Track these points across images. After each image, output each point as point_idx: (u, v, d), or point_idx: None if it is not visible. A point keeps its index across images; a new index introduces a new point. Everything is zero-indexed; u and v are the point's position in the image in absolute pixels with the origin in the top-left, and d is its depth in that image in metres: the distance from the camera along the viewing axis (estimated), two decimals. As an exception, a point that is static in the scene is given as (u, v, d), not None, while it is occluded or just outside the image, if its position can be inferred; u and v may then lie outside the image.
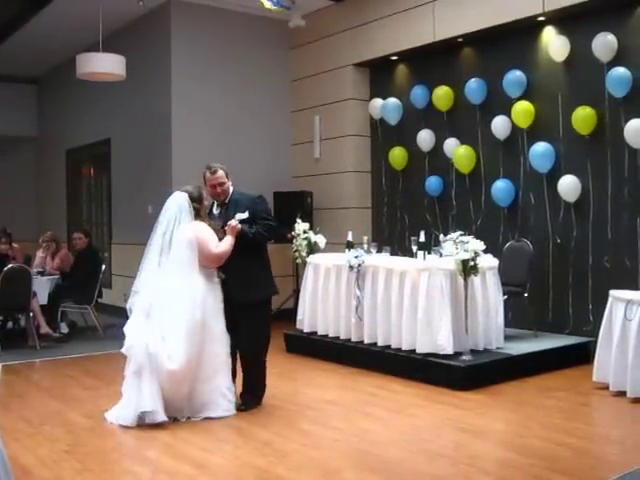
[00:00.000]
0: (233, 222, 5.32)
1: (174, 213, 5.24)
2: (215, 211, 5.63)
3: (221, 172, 5.54)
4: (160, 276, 5.21)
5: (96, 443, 4.73)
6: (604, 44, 7.08)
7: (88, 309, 8.97)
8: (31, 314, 8.17)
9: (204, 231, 5.26)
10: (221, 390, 5.25)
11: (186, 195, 5.29)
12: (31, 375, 7.11)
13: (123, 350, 5.17)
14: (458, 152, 8.47)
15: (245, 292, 5.39)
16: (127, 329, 5.23)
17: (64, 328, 8.86)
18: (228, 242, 5.26)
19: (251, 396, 5.57)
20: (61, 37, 10.94)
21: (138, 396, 5.03)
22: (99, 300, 9.20)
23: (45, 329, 8.39)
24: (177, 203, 5.27)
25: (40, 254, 9.54)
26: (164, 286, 5.17)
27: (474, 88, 8.28)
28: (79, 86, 10.79)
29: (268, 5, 8.62)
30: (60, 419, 5.31)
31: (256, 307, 5.48)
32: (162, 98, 9.76)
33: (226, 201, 5.58)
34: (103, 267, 9.12)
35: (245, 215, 5.42)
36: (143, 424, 5.00)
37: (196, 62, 9.71)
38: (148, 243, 5.34)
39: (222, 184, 5.53)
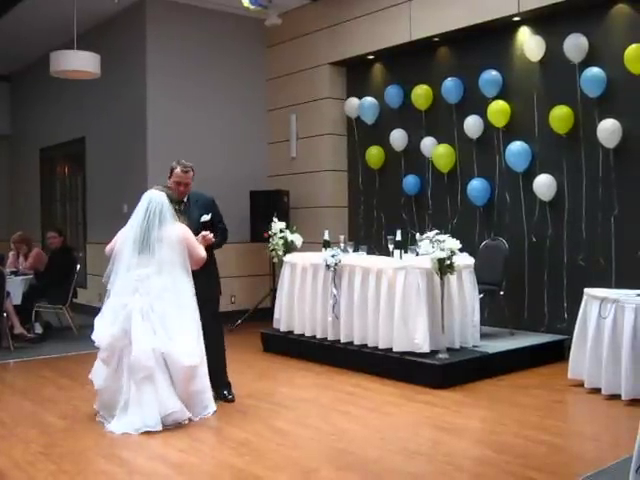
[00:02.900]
0: (209, 235, 5.42)
1: (157, 211, 5.10)
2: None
3: (191, 174, 5.61)
4: (147, 275, 5.06)
5: (71, 444, 4.68)
6: (575, 45, 7.15)
7: (63, 309, 8.89)
8: (5, 315, 8.05)
9: (191, 234, 5.24)
10: (208, 385, 5.27)
11: (164, 195, 5.20)
12: (5, 376, 7.02)
13: (132, 359, 4.90)
14: (437, 151, 8.49)
15: (208, 288, 5.48)
16: (132, 334, 4.97)
17: (38, 328, 8.77)
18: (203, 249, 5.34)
19: (228, 386, 5.69)
20: (35, 34, 10.85)
21: (159, 399, 4.88)
22: (74, 300, 9.11)
23: (19, 330, 8.30)
24: (159, 201, 5.13)
25: (13, 253, 9.44)
26: (157, 284, 5.04)
27: (450, 87, 8.32)
28: (53, 84, 10.68)
29: (246, 4, 8.61)
30: (34, 420, 5.25)
31: (216, 300, 5.76)
32: (137, 96, 9.69)
33: (184, 200, 5.62)
34: (78, 267, 9.04)
35: (208, 217, 5.59)
36: (168, 427, 4.89)
37: (171, 60, 9.65)
38: (121, 240, 5.23)
39: (187, 185, 5.61)
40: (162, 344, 4.95)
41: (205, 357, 5.21)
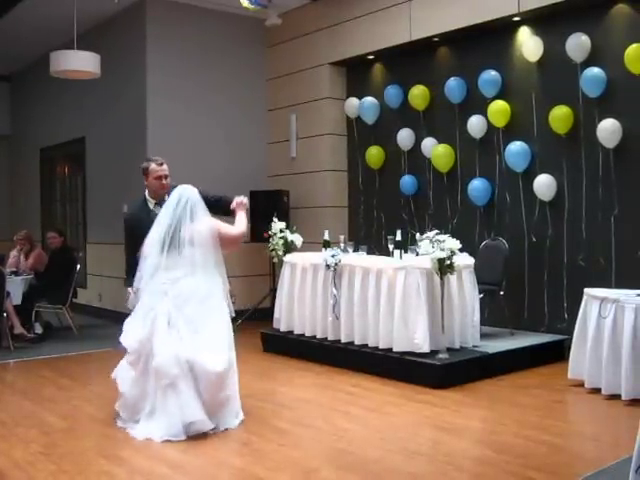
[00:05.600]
0: (244, 199, 5.28)
1: (187, 206, 4.87)
2: (157, 211, 5.17)
3: (166, 165, 5.40)
4: (177, 277, 4.86)
5: (71, 444, 4.68)
6: (577, 44, 7.14)
7: (63, 309, 8.88)
8: (5, 314, 8.05)
9: (218, 221, 5.04)
10: (237, 393, 5.11)
11: (196, 190, 4.99)
12: (5, 376, 7.02)
13: (155, 365, 4.75)
14: (436, 151, 8.49)
15: None
16: (152, 340, 4.80)
17: (38, 328, 8.76)
18: (243, 220, 5.23)
19: None
20: (35, 34, 10.85)
21: (181, 408, 4.71)
22: (74, 300, 9.11)
23: (19, 330, 8.30)
24: (189, 196, 4.91)
25: (14, 253, 9.44)
26: (188, 287, 4.84)
27: (453, 87, 8.31)
28: (53, 84, 10.67)
29: (246, 4, 8.61)
30: (34, 420, 5.25)
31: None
32: (137, 96, 9.69)
33: (166, 197, 5.17)
34: (78, 267, 9.04)
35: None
36: (189, 436, 4.73)
37: (171, 60, 9.66)
38: (148, 240, 4.93)
39: (167, 177, 5.38)
40: (187, 350, 4.76)
41: (235, 364, 5.01)
